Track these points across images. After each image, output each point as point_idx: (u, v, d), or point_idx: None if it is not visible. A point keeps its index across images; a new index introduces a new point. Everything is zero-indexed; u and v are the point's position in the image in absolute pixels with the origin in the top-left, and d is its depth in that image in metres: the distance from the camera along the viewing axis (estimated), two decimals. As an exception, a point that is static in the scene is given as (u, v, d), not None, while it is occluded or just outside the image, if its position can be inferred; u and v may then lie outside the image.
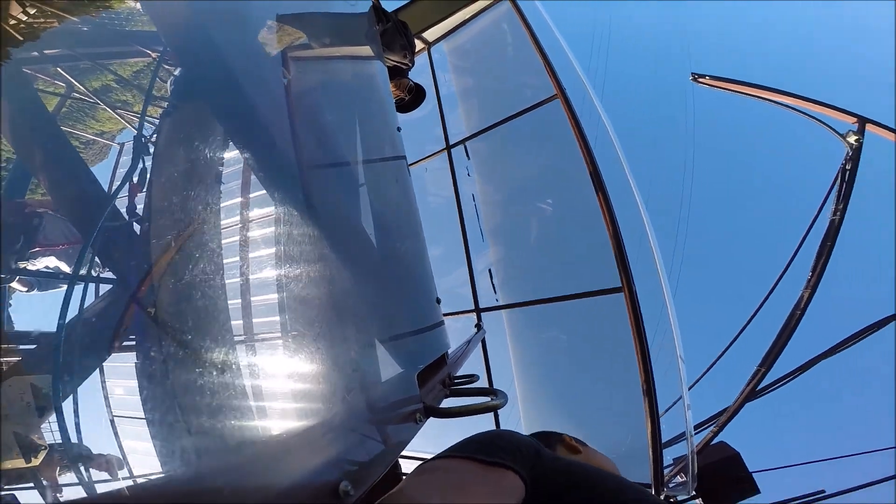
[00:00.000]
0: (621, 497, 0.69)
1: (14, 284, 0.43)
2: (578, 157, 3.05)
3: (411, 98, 3.10)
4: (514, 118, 3.57)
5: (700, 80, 5.09)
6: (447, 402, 1.25)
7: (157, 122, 0.58)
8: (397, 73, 3.01)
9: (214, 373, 0.53)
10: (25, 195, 0.44)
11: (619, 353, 3.07)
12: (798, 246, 4.82)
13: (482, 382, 3.43)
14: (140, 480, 0.42)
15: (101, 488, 0.39)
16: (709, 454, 3.67)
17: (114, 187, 0.49)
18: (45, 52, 0.45)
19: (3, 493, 0.33)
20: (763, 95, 4.76)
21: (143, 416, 0.45)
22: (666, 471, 3.06)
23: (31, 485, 0.35)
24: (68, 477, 0.37)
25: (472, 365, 1.74)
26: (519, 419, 3.66)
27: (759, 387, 4.50)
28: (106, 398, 0.43)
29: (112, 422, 0.42)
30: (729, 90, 4.96)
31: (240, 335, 0.61)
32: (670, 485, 3.44)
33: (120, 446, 0.42)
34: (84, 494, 0.37)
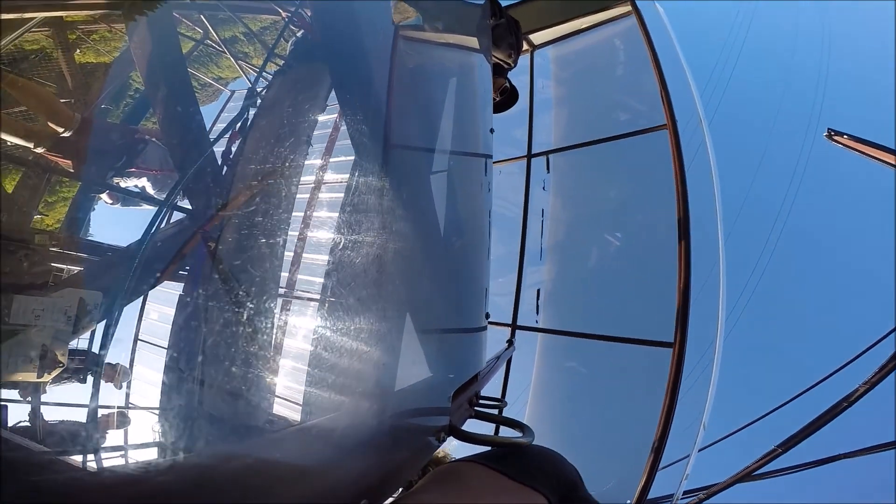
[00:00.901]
0: None
1: (104, 196, 0.45)
2: (667, 196, 2.87)
3: (502, 100, 3.05)
4: (610, 140, 3.40)
5: (835, 138, 4.46)
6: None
7: (269, 77, 0.59)
8: (497, 71, 2.97)
9: (247, 328, 0.53)
10: (140, 123, 0.46)
11: (639, 402, 2.97)
12: (878, 339, 4.35)
13: (497, 393, 3.39)
14: (136, 412, 0.41)
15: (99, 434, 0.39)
16: None
17: (216, 130, 0.51)
18: (196, -1, 0.47)
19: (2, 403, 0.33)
20: None
21: (166, 349, 0.45)
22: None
23: (29, 399, 0.35)
24: (69, 391, 0.38)
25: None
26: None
27: (765, 469, 4.20)
28: (139, 319, 0.43)
29: (135, 342, 0.43)
30: (867, 155, 4.30)
31: (284, 291, 0.61)
32: None
33: (131, 368, 0.42)
34: (80, 420, 0.38)
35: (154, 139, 0.50)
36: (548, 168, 3.74)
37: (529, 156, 3.77)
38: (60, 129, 0.38)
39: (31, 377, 0.35)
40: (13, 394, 0.34)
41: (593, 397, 3.62)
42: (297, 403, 0.58)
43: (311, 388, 0.60)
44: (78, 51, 0.37)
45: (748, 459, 4.21)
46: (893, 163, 4.11)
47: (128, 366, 0.42)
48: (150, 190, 0.50)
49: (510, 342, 2.50)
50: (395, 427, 0.79)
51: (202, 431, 0.44)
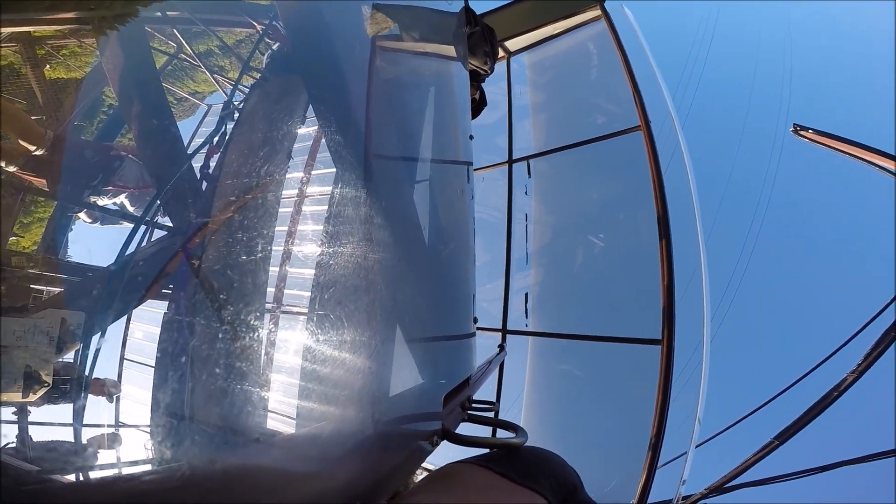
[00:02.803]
0: None
1: (82, 215, 0.45)
2: (646, 196, 2.92)
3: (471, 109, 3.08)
4: (587, 143, 3.45)
5: (801, 132, 4.56)
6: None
7: (246, 90, 0.59)
8: (474, 78, 3.00)
9: (234, 343, 0.52)
10: (115, 139, 0.46)
11: (633, 401, 2.98)
12: (862, 327, 4.43)
13: (489, 398, 3.38)
14: (125, 429, 0.41)
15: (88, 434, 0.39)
16: None
17: (194, 145, 0.51)
18: (168, 13, 0.47)
19: None
20: (873, 160, 4.20)
21: (153, 367, 0.44)
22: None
23: (15, 419, 0.34)
24: (61, 411, 0.37)
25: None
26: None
27: (769, 475, 4.25)
28: (124, 338, 0.42)
29: (121, 362, 0.42)
30: (833, 149, 4.42)
31: (270, 305, 0.61)
32: None
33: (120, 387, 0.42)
34: (70, 437, 0.37)
35: (130, 155, 0.49)
36: (529, 173, 3.77)
37: (510, 161, 3.81)
38: (32, 148, 0.37)
39: (16, 397, 0.35)
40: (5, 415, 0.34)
41: (587, 398, 3.63)
42: (287, 414, 0.57)
43: (301, 398, 0.60)
44: (48, 66, 0.37)
45: (746, 453, 4.26)
46: (857, 155, 4.25)
47: (117, 382, 0.41)
48: (128, 207, 0.49)
49: (501, 347, 2.51)
50: (386, 433, 0.79)
51: (193, 445, 0.43)
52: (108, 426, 0.39)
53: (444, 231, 1.25)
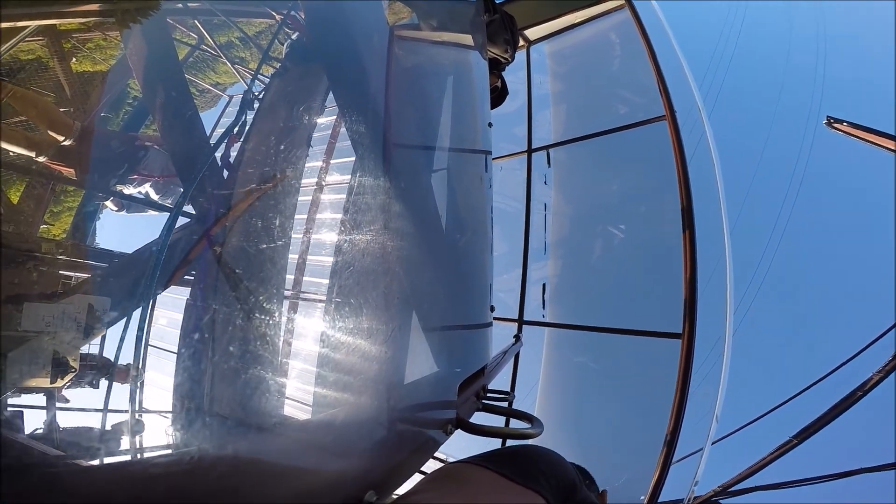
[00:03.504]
0: None
1: (109, 203, 0.46)
2: (670, 188, 2.85)
3: (491, 98, 3.05)
4: (609, 133, 3.38)
5: (835, 125, 4.42)
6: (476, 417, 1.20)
7: (266, 80, 0.59)
8: (495, 67, 2.97)
9: (255, 330, 0.53)
10: (140, 130, 0.47)
11: (650, 395, 2.95)
12: (892, 326, 4.26)
13: (504, 388, 3.38)
14: (148, 415, 0.42)
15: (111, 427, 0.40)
16: None
17: (216, 135, 0.51)
18: (189, 4, 0.47)
19: (16, 408, 0.34)
20: None
21: (176, 353, 0.45)
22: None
23: (45, 405, 0.35)
24: (82, 395, 0.38)
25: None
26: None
27: (784, 479, 4.15)
28: (148, 325, 0.43)
29: (146, 348, 0.43)
30: (866, 141, 4.26)
31: (290, 292, 0.62)
32: None
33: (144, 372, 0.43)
34: (95, 422, 0.38)
35: (155, 145, 0.50)
36: (549, 162, 3.72)
37: (530, 151, 3.76)
38: (61, 138, 0.38)
39: (44, 383, 0.36)
40: (29, 399, 0.35)
41: (603, 391, 3.60)
42: (303, 400, 0.58)
43: (317, 385, 0.61)
44: (74, 59, 0.38)
45: (764, 452, 4.17)
46: (892, 148, 4.09)
47: (140, 368, 0.42)
48: (153, 196, 0.50)
49: (517, 337, 2.50)
50: (402, 421, 0.79)
51: (208, 430, 0.44)
52: (133, 412, 0.40)
53: (461, 219, 1.25)
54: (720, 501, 3.85)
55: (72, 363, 0.37)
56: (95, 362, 0.39)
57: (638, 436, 3.06)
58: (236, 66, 0.55)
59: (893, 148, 4.10)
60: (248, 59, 0.57)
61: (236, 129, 0.53)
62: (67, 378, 0.37)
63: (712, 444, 3.10)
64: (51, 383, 0.36)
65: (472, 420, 1.08)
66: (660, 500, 2.70)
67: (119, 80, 0.42)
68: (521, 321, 3.50)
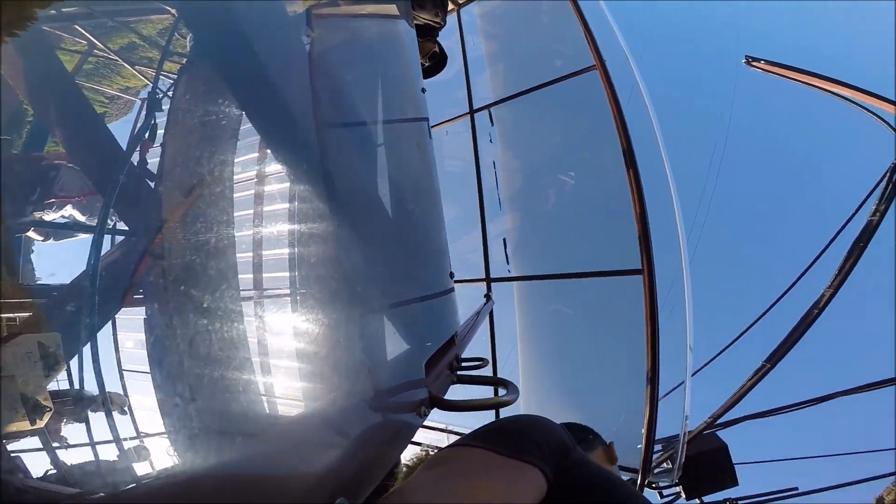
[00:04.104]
0: None
1: (30, 234, 0.44)
2: (609, 132, 2.92)
3: (431, 65, 3.00)
4: (545, 86, 3.42)
5: (753, 63, 4.69)
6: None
7: (174, 77, 0.57)
8: (428, 32, 2.91)
9: (218, 334, 0.53)
10: (44, 149, 0.44)
11: (626, 334, 3.05)
12: (829, 241, 4.56)
13: (484, 353, 3.44)
14: (144, 437, 0.42)
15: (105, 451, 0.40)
16: (697, 443, 3.69)
17: (136, 140, 0.49)
18: (63, 10, 0.44)
19: (9, 455, 0.33)
20: (818, 84, 4.37)
21: (149, 372, 0.45)
22: (654, 455, 3.08)
23: (38, 446, 0.35)
24: (74, 431, 0.38)
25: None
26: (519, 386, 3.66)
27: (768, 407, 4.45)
28: (116, 351, 0.43)
29: (121, 375, 0.43)
30: (783, 76, 4.55)
31: (247, 291, 0.61)
32: (655, 470, 3.43)
33: (128, 398, 0.42)
34: (89, 455, 0.38)
35: (67, 163, 0.48)
36: (491, 121, 3.74)
37: (472, 112, 3.76)
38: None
39: (24, 426, 0.35)
40: (17, 445, 0.35)
41: (582, 336, 3.72)
42: (265, 406, 0.58)
43: (278, 389, 0.60)
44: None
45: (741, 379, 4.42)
46: (808, 81, 4.38)
47: (123, 394, 0.42)
48: (79, 217, 0.48)
49: (487, 296, 2.54)
50: (369, 412, 0.76)
51: (184, 442, 0.44)
52: (127, 438, 0.40)
53: (404, 190, 1.23)
54: (716, 433, 4.04)
55: (43, 402, 0.36)
56: (69, 397, 0.39)
57: (623, 375, 3.16)
58: (142, 67, 0.52)
59: (807, 81, 4.39)
60: (156, 58, 0.54)
61: (147, 134, 0.51)
62: (46, 417, 0.36)
63: (692, 375, 3.26)
64: (31, 426, 0.35)
65: (449, 395, 1.05)
66: (659, 438, 2.83)
67: (9, 98, 0.39)
68: (488, 279, 3.56)
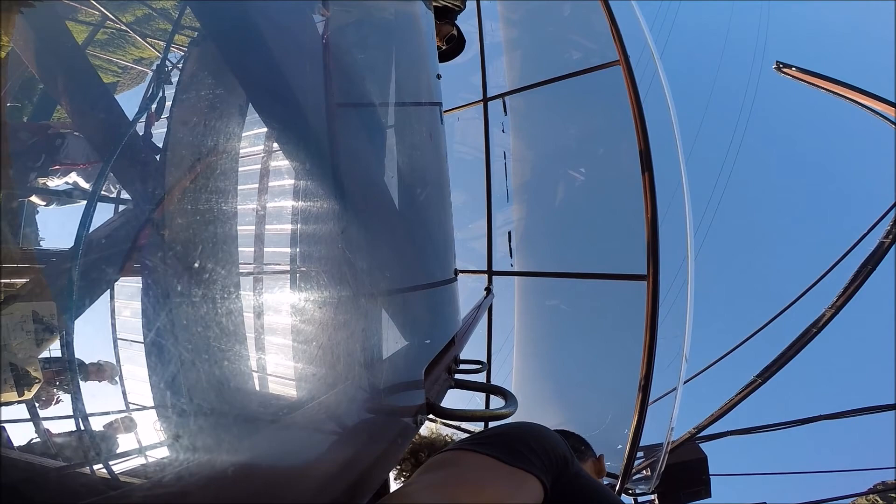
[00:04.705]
0: None
1: (33, 199, 0.44)
2: (627, 131, 2.83)
3: (449, 48, 2.97)
4: (564, 78, 3.32)
5: (784, 70, 4.47)
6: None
7: (185, 50, 0.56)
8: (447, 15, 2.87)
9: (214, 309, 0.53)
10: (51, 118, 0.44)
11: (622, 338, 3.04)
12: (837, 260, 4.48)
13: (481, 343, 3.43)
14: (133, 409, 0.42)
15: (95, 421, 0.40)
16: (678, 452, 3.69)
17: (141, 112, 0.49)
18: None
19: None
20: (851, 96, 4.16)
21: (143, 342, 0.45)
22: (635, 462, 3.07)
23: (24, 417, 0.35)
24: (62, 402, 0.37)
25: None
26: (510, 384, 3.69)
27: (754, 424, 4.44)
28: (112, 318, 0.43)
29: (115, 343, 0.43)
30: (814, 85, 4.34)
31: (245, 267, 0.60)
32: (634, 476, 3.42)
33: (120, 368, 0.42)
34: (75, 426, 0.38)
35: (74, 132, 0.48)
36: (505, 110, 3.68)
37: (485, 99, 3.70)
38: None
39: (12, 397, 0.35)
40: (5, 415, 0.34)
41: (578, 336, 3.71)
42: (251, 389, 0.57)
43: (270, 374, 0.59)
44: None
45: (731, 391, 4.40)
46: (838, 92, 4.23)
47: (115, 363, 0.42)
48: (83, 184, 0.48)
49: (488, 290, 2.52)
50: (363, 419, 0.73)
51: (177, 425, 0.44)
52: (117, 411, 0.40)
53: (413, 176, 1.20)
54: (699, 445, 4.05)
55: (34, 373, 0.36)
56: (61, 367, 0.39)
57: (616, 377, 3.17)
58: (150, 39, 0.52)
59: (837, 91, 4.24)
60: (168, 30, 0.54)
61: (155, 105, 0.50)
62: (35, 388, 0.36)
63: (684, 383, 3.24)
64: (19, 397, 0.35)
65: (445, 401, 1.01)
66: (641, 445, 2.82)
67: (18, 67, 0.39)
68: (490, 272, 3.54)
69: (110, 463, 0.39)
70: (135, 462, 0.41)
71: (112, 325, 0.43)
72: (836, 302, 3.96)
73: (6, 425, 0.33)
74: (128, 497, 0.38)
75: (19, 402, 0.35)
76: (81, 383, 0.40)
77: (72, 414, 0.38)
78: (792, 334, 4.16)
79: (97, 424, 0.40)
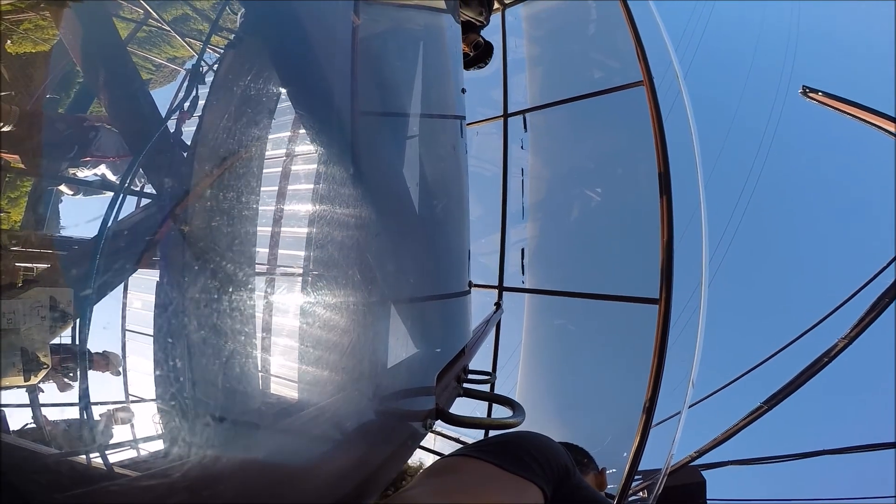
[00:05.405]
0: None
1: (62, 187, 0.45)
2: (647, 152, 2.80)
3: (476, 54, 3.00)
4: (587, 97, 3.33)
5: (810, 94, 4.40)
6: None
7: (221, 51, 0.57)
8: (469, 29, 2.91)
9: (227, 308, 0.52)
10: (88, 111, 0.45)
11: (629, 359, 3.00)
12: (855, 291, 4.38)
13: (487, 358, 3.42)
14: (133, 400, 0.42)
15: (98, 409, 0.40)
16: (677, 475, 3.62)
17: (176, 110, 0.50)
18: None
19: None
20: (879, 123, 4.06)
21: (153, 336, 0.45)
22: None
23: (25, 402, 0.35)
24: (66, 389, 0.38)
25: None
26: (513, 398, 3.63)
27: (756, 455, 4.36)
28: (123, 309, 0.43)
29: (123, 335, 0.43)
30: (840, 111, 4.26)
31: (262, 267, 0.61)
32: (630, 497, 3.38)
33: (124, 359, 0.42)
34: (75, 414, 0.38)
35: (107, 125, 0.48)
36: (525, 127, 3.69)
37: (506, 115, 3.72)
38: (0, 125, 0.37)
39: (18, 381, 0.35)
40: (7, 399, 0.34)
41: (584, 355, 3.68)
42: (258, 389, 0.57)
43: (277, 374, 0.59)
44: (9, 42, 0.36)
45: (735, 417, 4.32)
46: (866, 119, 4.15)
47: (120, 355, 0.42)
48: (110, 177, 0.48)
49: (498, 305, 2.51)
50: (378, 418, 0.74)
51: (184, 422, 0.44)
52: (117, 402, 0.40)
53: (434, 187, 1.21)
54: (700, 472, 3.98)
55: (42, 359, 0.36)
56: (70, 354, 0.39)
57: (619, 398, 3.13)
58: (188, 39, 0.53)
59: (865, 118, 4.16)
60: (206, 31, 0.55)
61: (196, 104, 0.51)
62: (41, 374, 0.36)
63: (689, 408, 3.18)
64: (25, 381, 0.35)
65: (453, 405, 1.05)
66: (640, 469, 2.77)
67: (63, 60, 0.40)
68: (501, 287, 3.53)
69: (135, 450, 0.39)
70: (146, 452, 0.41)
71: (122, 316, 0.43)
72: (850, 332, 3.88)
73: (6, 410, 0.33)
74: (152, 490, 0.38)
75: (24, 387, 0.35)
76: (86, 373, 0.39)
77: (77, 401, 0.38)
78: (803, 362, 4.08)
79: (95, 414, 0.39)
